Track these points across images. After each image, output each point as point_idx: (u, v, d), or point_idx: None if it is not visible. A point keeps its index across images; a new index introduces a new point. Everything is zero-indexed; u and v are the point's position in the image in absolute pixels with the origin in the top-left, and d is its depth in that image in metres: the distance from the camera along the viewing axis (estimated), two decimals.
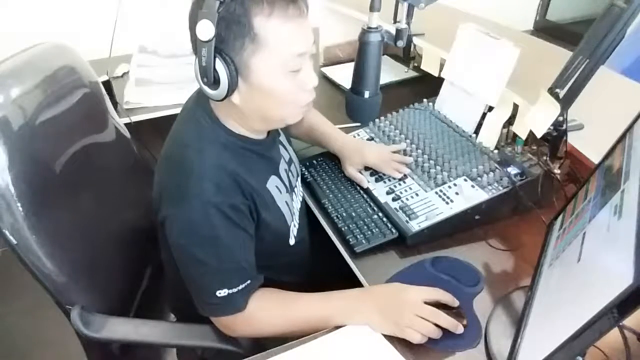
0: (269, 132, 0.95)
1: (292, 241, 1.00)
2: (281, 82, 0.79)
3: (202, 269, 0.82)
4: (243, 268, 0.85)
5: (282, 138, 1.05)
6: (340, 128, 1.26)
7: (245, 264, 0.85)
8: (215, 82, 0.76)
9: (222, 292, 0.81)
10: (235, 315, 0.84)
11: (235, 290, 0.82)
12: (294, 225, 1.01)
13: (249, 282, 0.84)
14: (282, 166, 1.00)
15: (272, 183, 0.93)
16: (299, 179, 1.12)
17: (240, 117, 0.86)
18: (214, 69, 0.75)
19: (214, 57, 0.74)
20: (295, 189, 1.08)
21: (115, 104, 1.43)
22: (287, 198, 0.98)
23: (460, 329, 0.79)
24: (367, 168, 1.15)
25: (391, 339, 0.80)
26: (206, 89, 0.79)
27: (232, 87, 0.77)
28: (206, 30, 0.72)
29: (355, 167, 1.14)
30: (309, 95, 0.85)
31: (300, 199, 1.10)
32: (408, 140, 1.21)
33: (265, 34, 0.75)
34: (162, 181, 0.86)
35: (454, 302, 0.83)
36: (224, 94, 0.78)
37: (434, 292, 0.83)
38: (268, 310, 0.87)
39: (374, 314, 0.82)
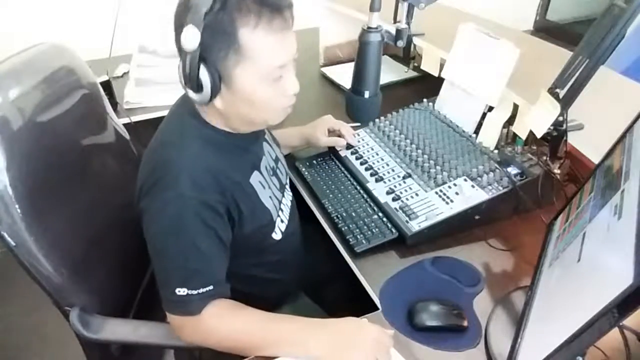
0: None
1: (276, 236, 0.98)
2: (263, 91, 0.80)
3: (166, 262, 0.80)
4: (208, 272, 0.81)
5: (267, 136, 1.06)
6: None
7: (210, 268, 0.82)
8: (199, 88, 0.78)
9: (181, 291, 0.78)
10: (185, 317, 0.80)
11: (194, 292, 0.78)
12: (280, 221, 1.00)
13: (210, 287, 0.80)
14: (265, 162, 0.99)
15: (255, 178, 0.93)
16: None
17: (224, 118, 0.86)
18: (198, 76, 0.76)
19: (198, 65, 0.75)
20: (286, 186, 1.08)
21: (115, 104, 1.43)
22: (271, 193, 0.97)
23: None
24: (366, 168, 1.15)
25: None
26: (190, 92, 0.80)
27: (214, 94, 0.79)
28: (192, 38, 0.73)
29: (324, 134, 1.22)
30: (290, 99, 0.86)
31: (291, 196, 1.09)
32: (408, 140, 1.21)
33: (249, 46, 0.75)
34: (141, 177, 0.85)
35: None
36: (206, 99, 0.79)
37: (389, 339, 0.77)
38: (220, 319, 0.81)
39: (326, 346, 0.76)
